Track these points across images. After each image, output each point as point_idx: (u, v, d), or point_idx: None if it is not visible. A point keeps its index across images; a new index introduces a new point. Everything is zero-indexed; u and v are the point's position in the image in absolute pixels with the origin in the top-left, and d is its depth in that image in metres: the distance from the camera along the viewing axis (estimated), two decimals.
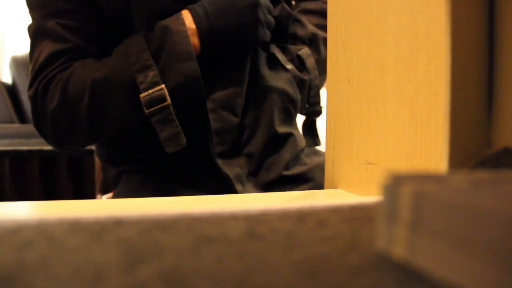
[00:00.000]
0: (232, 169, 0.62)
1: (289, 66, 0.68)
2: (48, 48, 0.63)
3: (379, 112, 0.33)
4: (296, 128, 0.73)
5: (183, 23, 0.58)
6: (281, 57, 0.69)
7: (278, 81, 0.67)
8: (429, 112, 0.28)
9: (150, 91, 0.57)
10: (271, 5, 0.64)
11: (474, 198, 0.14)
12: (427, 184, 0.16)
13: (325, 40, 0.71)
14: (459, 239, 0.13)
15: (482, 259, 0.13)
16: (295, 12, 0.74)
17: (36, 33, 0.64)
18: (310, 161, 0.70)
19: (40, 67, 0.63)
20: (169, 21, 0.59)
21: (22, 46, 3.55)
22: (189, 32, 0.58)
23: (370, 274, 0.15)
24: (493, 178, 0.18)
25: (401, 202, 0.16)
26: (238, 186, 0.61)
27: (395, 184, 0.16)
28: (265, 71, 0.67)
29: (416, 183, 0.16)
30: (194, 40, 0.59)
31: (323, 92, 0.62)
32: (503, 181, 0.17)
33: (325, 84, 0.47)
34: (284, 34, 0.71)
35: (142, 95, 0.57)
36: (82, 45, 0.63)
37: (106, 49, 0.63)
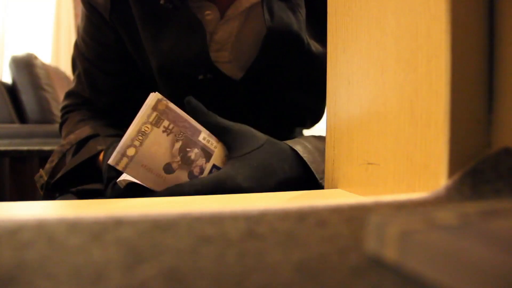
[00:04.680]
0: None
1: None
2: (74, 83, 0.81)
3: (379, 112, 0.33)
4: None
5: None
6: None
7: None
8: (429, 112, 0.28)
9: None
10: None
11: (459, 240, 0.14)
12: (413, 223, 0.16)
13: None
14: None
15: None
16: None
17: (76, 60, 0.79)
18: None
19: (64, 96, 0.83)
20: None
21: (22, 46, 3.56)
22: None
23: (370, 274, 0.15)
24: (481, 212, 0.17)
25: (387, 242, 0.16)
26: None
27: (382, 223, 0.16)
28: None
29: (403, 222, 0.16)
30: None
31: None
32: (492, 216, 0.17)
33: None
34: None
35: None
36: (91, 101, 0.78)
37: (122, 96, 0.76)
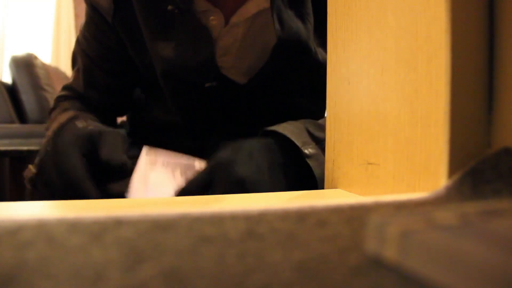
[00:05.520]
0: None
1: None
2: (72, 78, 0.79)
3: (379, 112, 0.33)
4: None
5: None
6: None
7: None
8: (429, 112, 0.28)
9: None
10: None
11: (459, 240, 0.14)
12: (413, 223, 0.16)
13: None
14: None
15: None
16: None
17: (76, 55, 0.78)
18: None
19: (61, 88, 0.81)
20: None
21: (22, 46, 3.56)
22: None
23: (370, 274, 0.15)
24: (481, 212, 0.17)
25: (387, 242, 0.16)
26: None
27: (382, 223, 0.16)
28: None
29: (403, 222, 0.16)
30: None
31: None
32: (492, 216, 0.17)
33: None
34: None
35: None
36: (86, 97, 0.77)
37: (113, 95, 0.76)
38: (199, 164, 0.53)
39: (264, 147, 0.50)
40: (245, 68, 0.67)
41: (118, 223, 0.20)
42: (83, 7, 0.75)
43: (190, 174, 0.50)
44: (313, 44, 0.66)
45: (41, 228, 0.19)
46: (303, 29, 0.64)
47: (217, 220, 0.21)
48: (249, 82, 0.67)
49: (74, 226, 0.19)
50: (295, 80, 0.70)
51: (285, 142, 0.51)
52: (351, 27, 0.37)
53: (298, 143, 0.50)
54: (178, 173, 0.51)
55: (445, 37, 0.26)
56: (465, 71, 0.26)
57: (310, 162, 0.51)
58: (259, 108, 0.71)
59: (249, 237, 0.19)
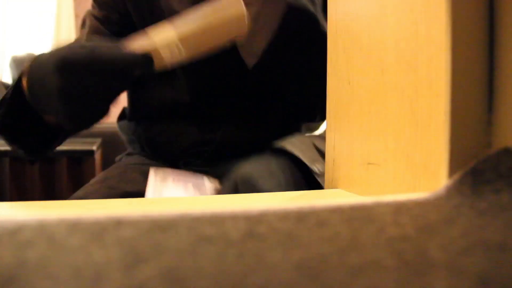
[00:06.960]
0: None
1: None
2: (77, 37, 0.78)
3: (379, 112, 0.33)
4: None
5: None
6: None
7: None
8: (429, 112, 0.28)
9: None
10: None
11: None
12: None
13: None
14: None
15: None
16: None
17: (85, 20, 0.77)
18: None
19: None
20: None
21: (22, 46, 3.56)
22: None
23: (370, 274, 0.15)
24: None
25: None
26: None
27: None
28: None
29: None
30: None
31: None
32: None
33: None
34: None
35: None
36: None
37: None
38: (208, 182, 0.56)
39: (279, 165, 0.54)
40: (253, 49, 0.68)
41: (118, 223, 0.20)
42: (83, 7, 0.75)
43: (203, 190, 0.53)
44: (321, 18, 0.67)
45: (41, 228, 0.19)
46: (311, 5, 0.67)
47: (217, 220, 0.21)
48: (258, 64, 0.68)
49: (74, 226, 0.19)
50: (304, 60, 0.70)
51: (295, 159, 0.56)
52: (351, 27, 0.37)
53: (308, 162, 0.55)
54: (190, 188, 0.54)
55: (445, 37, 0.26)
56: (465, 71, 0.26)
57: (320, 179, 0.55)
58: (267, 94, 0.72)
59: (249, 237, 0.19)
